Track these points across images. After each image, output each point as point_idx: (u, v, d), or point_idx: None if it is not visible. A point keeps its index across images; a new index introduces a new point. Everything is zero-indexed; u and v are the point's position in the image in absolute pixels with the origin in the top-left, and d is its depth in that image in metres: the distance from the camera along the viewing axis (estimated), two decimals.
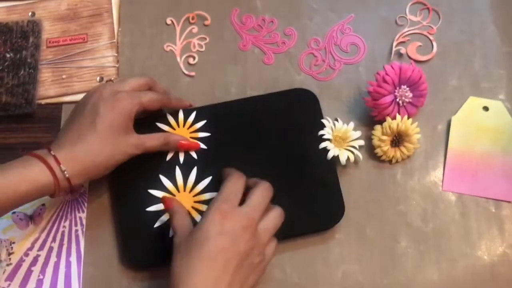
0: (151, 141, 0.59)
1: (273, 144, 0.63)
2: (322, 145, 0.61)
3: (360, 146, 0.63)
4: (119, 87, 0.58)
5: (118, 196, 0.61)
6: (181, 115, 0.64)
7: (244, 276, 0.50)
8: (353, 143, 0.62)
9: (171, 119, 0.64)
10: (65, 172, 0.53)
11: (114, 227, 0.61)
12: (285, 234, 0.58)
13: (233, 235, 0.49)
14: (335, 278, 0.59)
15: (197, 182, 0.61)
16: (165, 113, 0.64)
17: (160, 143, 0.60)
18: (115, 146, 0.55)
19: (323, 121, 0.63)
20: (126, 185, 0.61)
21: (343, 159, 0.61)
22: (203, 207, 0.60)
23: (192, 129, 0.63)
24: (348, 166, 0.63)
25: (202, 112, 0.64)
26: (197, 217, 0.59)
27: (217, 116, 0.64)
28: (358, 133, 0.63)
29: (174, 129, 0.63)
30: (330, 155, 0.60)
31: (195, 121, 0.64)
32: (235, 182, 0.54)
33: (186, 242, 0.50)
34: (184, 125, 0.64)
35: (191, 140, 0.62)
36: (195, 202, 0.61)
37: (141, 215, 0.60)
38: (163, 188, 0.61)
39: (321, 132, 0.62)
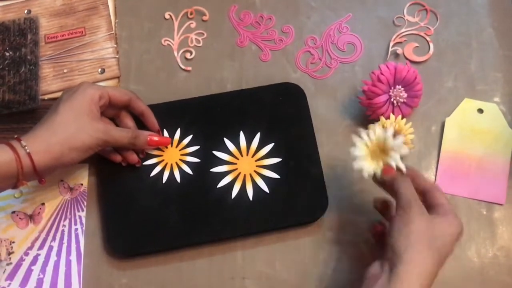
0: (118, 132, 0.59)
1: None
2: (357, 166, 0.51)
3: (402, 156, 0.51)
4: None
5: (107, 192, 0.62)
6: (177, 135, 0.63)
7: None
8: (394, 154, 0.51)
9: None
10: (26, 147, 0.52)
11: (101, 219, 0.61)
12: (269, 227, 0.59)
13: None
14: (325, 276, 0.59)
15: None
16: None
17: (129, 136, 0.59)
18: (79, 127, 0.55)
19: (355, 139, 0.52)
20: (115, 183, 0.62)
21: (378, 172, 0.51)
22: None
23: (181, 145, 0.63)
24: (336, 163, 0.63)
25: (191, 107, 0.65)
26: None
27: (205, 108, 0.64)
28: (400, 139, 0.51)
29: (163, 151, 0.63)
30: (365, 173, 0.51)
31: (183, 137, 0.63)
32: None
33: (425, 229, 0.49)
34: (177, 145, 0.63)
35: (161, 136, 0.63)
36: None
37: (133, 208, 0.60)
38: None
39: (355, 152, 0.52)
